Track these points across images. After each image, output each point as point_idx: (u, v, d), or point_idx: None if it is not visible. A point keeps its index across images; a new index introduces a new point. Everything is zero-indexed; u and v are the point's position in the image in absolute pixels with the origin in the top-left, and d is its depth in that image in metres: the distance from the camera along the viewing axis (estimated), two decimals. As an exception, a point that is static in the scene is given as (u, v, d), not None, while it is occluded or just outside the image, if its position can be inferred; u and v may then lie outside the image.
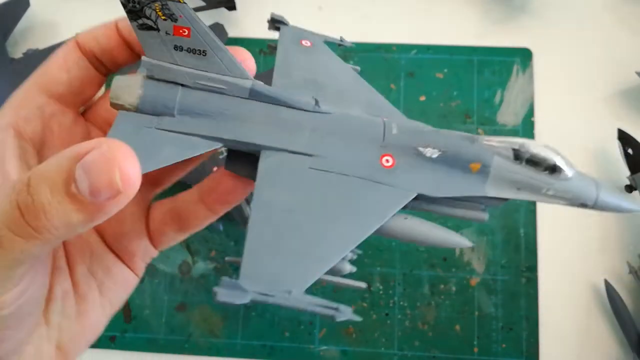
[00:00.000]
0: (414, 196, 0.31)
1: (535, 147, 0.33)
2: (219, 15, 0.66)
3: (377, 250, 0.59)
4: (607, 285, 0.56)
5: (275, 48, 0.39)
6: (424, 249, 0.59)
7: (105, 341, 0.59)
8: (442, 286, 0.58)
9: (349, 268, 0.31)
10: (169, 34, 0.29)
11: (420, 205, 0.33)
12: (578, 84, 0.64)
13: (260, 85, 0.31)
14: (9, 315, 0.25)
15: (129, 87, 0.29)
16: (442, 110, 0.63)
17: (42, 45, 0.63)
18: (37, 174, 0.23)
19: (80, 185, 0.22)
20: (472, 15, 0.67)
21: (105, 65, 0.32)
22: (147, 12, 0.28)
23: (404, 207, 0.32)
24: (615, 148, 0.58)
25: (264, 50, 0.66)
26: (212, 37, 0.29)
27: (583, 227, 0.59)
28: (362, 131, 0.32)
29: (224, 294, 0.24)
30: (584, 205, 0.34)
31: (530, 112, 0.62)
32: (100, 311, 0.33)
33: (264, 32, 0.66)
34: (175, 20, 0.28)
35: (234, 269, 0.60)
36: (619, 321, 0.54)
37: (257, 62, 0.70)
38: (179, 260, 0.60)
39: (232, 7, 0.64)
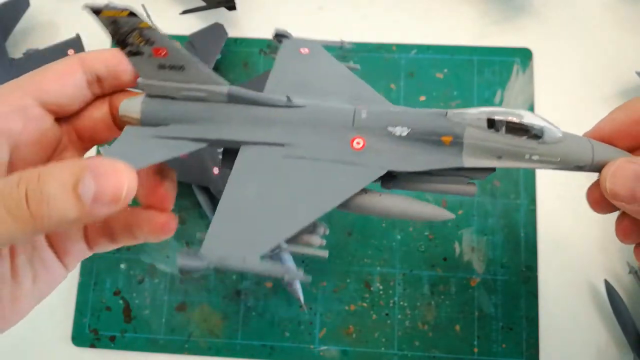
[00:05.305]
0: (382, 173, 0.33)
1: (509, 114, 0.33)
2: (219, 15, 0.66)
3: (377, 250, 0.59)
4: (607, 285, 0.56)
5: (274, 52, 0.44)
6: (424, 249, 0.59)
7: (105, 341, 0.59)
8: (442, 286, 0.58)
9: (319, 241, 0.33)
10: (151, 56, 0.34)
11: (400, 184, 0.35)
12: (578, 84, 0.64)
13: (235, 89, 0.35)
14: None
15: (133, 105, 0.35)
16: (442, 110, 0.63)
17: (42, 45, 0.63)
18: (48, 171, 0.26)
19: (84, 189, 0.26)
20: (472, 15, 0.67)
21: (103, 88, 0.36)
22: (130, 40, 0.33)
23: (386, 188, 0.34)
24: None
25: (264, 50, 0.66)
26: (185, 52, 0.34)
27: (583, 227, 0.59)
28: (332, 119, 0.34)
29: (183, 260, 0.30)
30: (579, 167, 0.33)
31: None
32: (31, 299, 0.36)
33: (264, 32, 0.67)
34: (153, 43, 0.33)
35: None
36: (619, 321, 0.54)
37: (256, 62, 0.70)
38: (179, 260, 0.60)
39: (232, 7, 0.64)
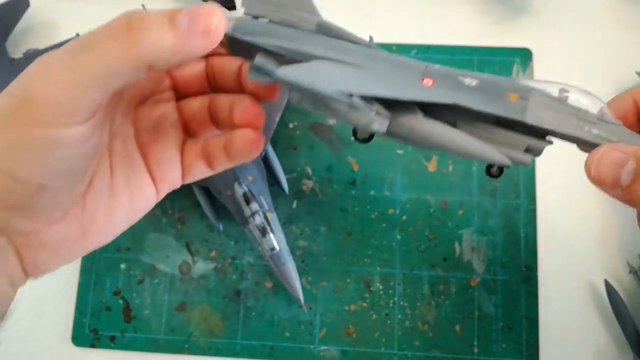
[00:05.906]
0: (448, 102, 0.34)
1: (576, 93, 0.36)
2: (219, 15, 0.66)
3: (377, 250, 0.59)
4: (607, 285, 0.56)
5: None
6: (424, 249, 0.59)
7: (105, 341, 0.59)
8: (442, 286, 0.58)
9: (378, 123, 0.33)
10: None
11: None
12: (578, 84, 0.63)
13: (325, 21, 0.38)
14: (69, 158, 0.30)
15: (227, 20, 0.36)
16: (442, 110, 0.63)
17: (42, 45, 0.63)
18: (148, 12, 0.30)
19: (179, 20, 0.29)
20: (472, 15, 0.67)
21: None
22: None
23: None
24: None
25: (264, 50, 0.66)
26: None
27: (583, 227, 0.59)
28: (406, 62, 0.37)
29: (260, 63, 0.31)
30: None
31: (530, 112, 0.62)
32: (124, 217, 0.37)
33: (264, 32, 0.66)
34: None
35: (234, 269, 0.60)
36: (619, 321, 0.54)
37: (257, 62, 0.69)
38: (178, 260, 0.60)
39: (232, 7, 0.64)
